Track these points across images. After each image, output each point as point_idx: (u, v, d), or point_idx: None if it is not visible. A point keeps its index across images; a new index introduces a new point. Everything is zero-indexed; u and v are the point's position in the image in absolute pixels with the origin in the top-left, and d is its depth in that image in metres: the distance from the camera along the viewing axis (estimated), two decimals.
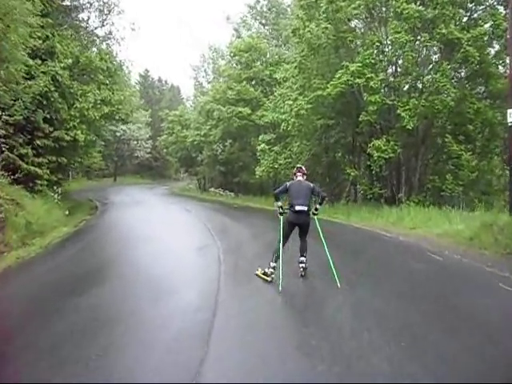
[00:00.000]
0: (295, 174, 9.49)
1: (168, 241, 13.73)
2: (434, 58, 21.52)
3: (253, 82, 37.48)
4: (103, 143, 60.48)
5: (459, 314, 6.59)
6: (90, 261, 11.07)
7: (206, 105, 39.41)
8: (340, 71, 20.21)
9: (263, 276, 8.76)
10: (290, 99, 24.39)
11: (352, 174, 22.05)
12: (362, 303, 7.02)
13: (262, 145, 30.50)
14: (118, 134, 66.87)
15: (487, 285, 8.27)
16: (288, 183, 9.24)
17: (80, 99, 21.73)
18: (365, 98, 20.04)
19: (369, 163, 21.87)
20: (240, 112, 34.72)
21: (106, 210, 25.89)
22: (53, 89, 19.85)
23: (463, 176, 19.58)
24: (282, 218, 9.11)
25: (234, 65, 40.36)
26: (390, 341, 5.40)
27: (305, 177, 9.42)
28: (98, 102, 22.32)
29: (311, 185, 9.20)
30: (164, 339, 5.66)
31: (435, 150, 22.39)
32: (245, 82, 36.17)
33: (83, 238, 15.32)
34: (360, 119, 20.53)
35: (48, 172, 20.29)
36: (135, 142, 70.68)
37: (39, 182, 19.80)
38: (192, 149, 47.07)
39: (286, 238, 8.99)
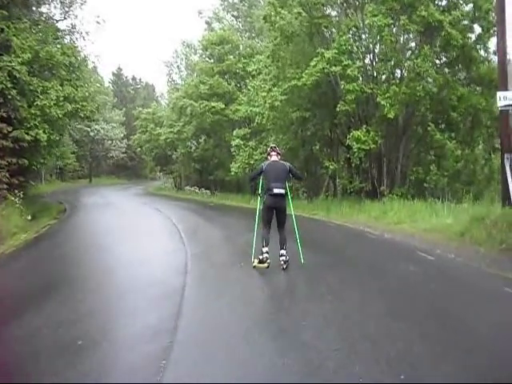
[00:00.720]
0: (269, 154, 9.20)
1: (131, 249, 12.34)
2: (414, 43, 20.47)
3: (226, 76, 36.20)
4: (72, 143, 60.10)
5: (466, 333, 5.30)
6: (40, 276, 9.76)
7: (178, 101, 37.97)
8: (315, 59, 19.04)
9: (260, 265, 8.62)
10: (263, 91, 23.22)
11: (331, 167, 20.93)
12: (349, 321, 5.74)
13: (237, 140, 29.37)
14: (91, 134, 65.62)
15: (490, 290, 7.10)
16: (263, 164, 9.01)
17: (41, 96, 20.23)
18: (342, 87, 18.95)
19: (348, 156, 20.83)
20: (213, 107, 33.40)
21: (74, 213, 24.44)
22: (10, 85, 18.40)
23: (448, 166, 18.62)
24: (259, 202, 9.41)
25: (207, 59, 39.09)
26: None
27: (279, 156, 9.15)
28: (61, 99, 20.82)
29: (287, 165, 9.00)
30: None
31: (417, 139, 21.42)
32: (217, 76, 34.85)
33: (40, 247, 13.90)
34: (338, 109, 19.33)
35: (7, 175, 18.77)
36: (110, 142, 69.15)
37: None
38: (166, 147, 45.86)
39: (268, 223, 8.86)
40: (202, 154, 38.75)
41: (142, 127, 49.23)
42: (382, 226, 14.69)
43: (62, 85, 21.50)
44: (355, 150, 18.38)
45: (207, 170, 40.70)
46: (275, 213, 8.81)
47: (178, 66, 54.79)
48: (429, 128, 18.60)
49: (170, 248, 11.82)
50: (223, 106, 33.59)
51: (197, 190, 38.99)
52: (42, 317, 6.38)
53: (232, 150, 30.44)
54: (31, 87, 20.09)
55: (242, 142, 29.29)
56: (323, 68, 18.60)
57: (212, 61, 37.53)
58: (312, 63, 19.02)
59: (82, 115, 22.46)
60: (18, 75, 18.75)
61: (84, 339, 5.33)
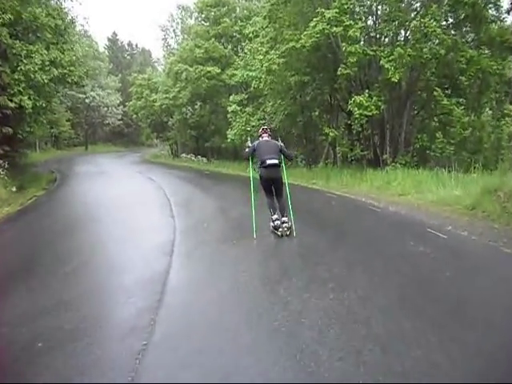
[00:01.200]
0: (261, 135, 9.63)
1: (117, 223, 11.53)
2: (419, 3, 19.21)
3: (222, 40, 34.92)
4: (67, 110, 58.92)
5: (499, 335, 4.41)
6: (18, 254, 8.99)
7: (173, 66, 36.63)
8: (315, 19, 17.88)
9: (274, 231, 8.92)
10: (260, 54, 22.09)
11: (331, 134, 19.90)
12: (353, 318, 4.87)
13: (233, 106, 28.31)
14: (87, 101, 64.40)
15: None
16: (255, 143, 9.38)
17: (25, 61, 19.21)
18: (343, 49, 17.82)
19: (349, 122, 19.85)
20: (208, 72, 32.18)
21: (65, 183, 23.57)
22: None
23: (454, 134, 17.61)
24: (252, 175, 9.93)
25: (202, 22, 37.68)
26: None
27: (270, 137, 9.57)
28: (47, 63, 19.76)
29: (278, 143, 9.38)
30: None
31: (420, 105, 20.38)
32: (213, 39, 33.59)
33: (22, 222, 13.08)
34: (338, 73, 18.19)
35: None
36: (105, 109, 67.83)
37: None
38: (162, 113, 44.65)
39: (269, 192, 9.16)
40: (198, 120, 37.65)
41: (137, 93, 47.70)
42: (386, 198, 13.84)
43: (47, 48, 20.50)
44: (357, 115, 17.36)
45: (203, 136, 39.72)
46: (272, 183, 9.05)
47: (173, 31, 53.32)
48: (435, 93, 17.45)
49: (159, 223, 11.06)
50: (219, 70, 32.39)
51: (193, 158, 38.07)
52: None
53: (228, 116, 29.37)
54: (14, 51, 19.09)
55: (238, 108, 28.25)
56: (323, 29, 17.46)
57: (207, 24, 36.21)
58: (311, 24, 17.89)
59: (70, 81, 21.36)
60: None
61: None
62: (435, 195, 12.75)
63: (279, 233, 8.77)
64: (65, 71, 20.66)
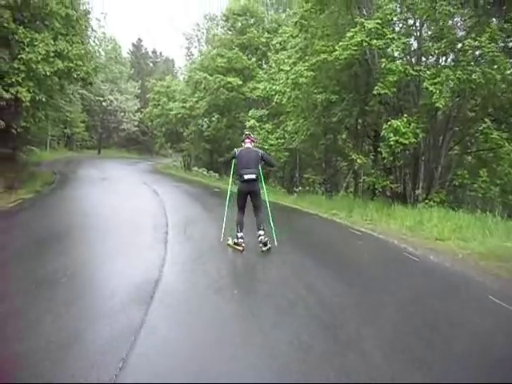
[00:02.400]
0: (243, 140, 9.76)
1: (98, 245, 9.49)
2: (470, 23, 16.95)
3: (246, 51, 32.92)
4: (82, 112, 57.38)
5: None
6: None
7: (193, 74, 34.75)
8: (353, 30, 15.80)
9: (235, 246, 9.20)
10: (287, 65, 20.02)
11: (359, 161, 17.73)
12: None
13: (252, 121, 26.29)
14: (104, 104, 63.22)
15: None
16: (236, 150, 9.55)
17: (27, 49, 17.32)
18: (382, 66, 15.66)
19: (378, 149, 17.65)
20: (229, 82, 30.21)
21: (61, 186, 21.58)
22: None
23: (501, 173, 15.32)
24: (229, 188, 10.28)
25: (227, 31, 35.79)
26: None
27: (253, 144, 9.74)
28: (52, 54, 17.85)
29: (259, 152, 9.52)
30: None
31: (459, 137, 18.10)
32: (237, 49, 31.61)
33: None
34: (375, 92, 15.94)
35: None
36: (122, 114, 66.69)
37: None
38: (177, 123, 42.78)
39: (242, 208, 9.42)
40: (214, 133, 35.57)
41: (154, 100, 46.03)
42: (421, 242, 11.56)
43: (54, 39, 18.53)
44: (391, 142, 15.12)
45: (218, 151, 37.59)
46: (249, 197, 9.32)
47: (198, 40, 51.57)
48: (483, 125, 15.20)
49: (146, 251, 8.90)
50: (240, 82, 30.42)
51: (205, 172, 35.90)
52: None
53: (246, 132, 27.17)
54: (16, 37, 17.17)
55: (257, 124, 26.23)
56: (362, 41, 15.34)
57: (232, 33, 34.29)
58: (348, 34, 15.78)
59: (76, 76, 19.33)
60: None
61: None
62: (482, 245, 10.49)
63: (240, 248, 9.02)
64: (71, 65, 18.69)
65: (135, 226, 11.70)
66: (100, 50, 72.34)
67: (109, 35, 72.53)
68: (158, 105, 44.32)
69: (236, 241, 9.24)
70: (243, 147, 9.58)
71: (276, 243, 9.59)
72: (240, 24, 33.33)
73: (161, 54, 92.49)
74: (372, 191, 20.49)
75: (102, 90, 64.91)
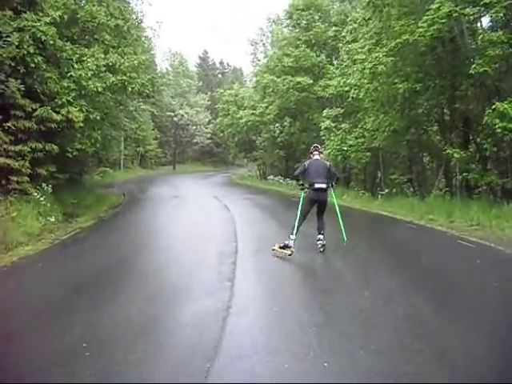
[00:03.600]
0: (312, 152, 10.13)
1: (142, 296, 7.50)
2: None
3: (314, 48, 30.62)
4: (154, 129, 57.05)
5: None
6: None
7: (260, 79, 32.92)
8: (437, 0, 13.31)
9: (281, 250, 9.29)
10: (362, 53, 17.74)
11: (456, 155, 15.16)
12: None
13: (327, 121, 24.13)
14: (175, 119, 63.01)
15: None
16: (306, 163, 9.92)
17: (76, 66, 16.01)
18: (480, 38, 13.10)
19: (478, 140, 15.03)
20: (299, 83, 28.05)
21: (128, 209, 20.26)
22: (32, 51, 14.28)
23: None
24: (302, 194, 9.89)
25: (292, 28, 33.64)
26: None
27: (321, 155, 10.29)
28: (103, 69, 16.47)
29: (327, 163, 10.16)
30: None
31: None
32: (304, 47, 29.41)
33: (31, 274, 9.30)
34: (472, 71, 13.34)
35: (28, 164, 14.51)
36: (194, 127, 66.19)
37: (15, 178, 14.20)
38: (249, 131, 41.28)
39: (305, 215, 9.70)
40: (287, 138, 33.61)
41: (223, 110, 44.69)
42: None
43: (105, 52, 17.18)
44: (498, 130, 12.48)
45: (293, 157, 35.62)
46: (317, 205, 9.66)
47: (263, 44, 49.87)
48: None
49: (206, 302, 6.71)
50: (311, 81, 28.20)
51: (281, 180, 33.86)
52: None
53: (321, 134, 25.21)
54: (64, 55, 15.91)
55: (333, 125, 24.07)
56: (450, 11, 12.86)
57: (298, 30, 32.08)
58: (434, 6, 13.30)
59: (131, 89, 17.79)
60: (43, 38, 14.56)
61: None
62: None
63: (289, 252, 9.17)
64: (124, 78, 17.19)
65: (196, 257, 9.77)
66: (167, 65, 73.39)
67: (174, 50, 72.81)
68: (228, 114, 42.88)
69: (286, 242, 9.38)
70: (312, 159, 9.98)
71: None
72: (305, 20, 31.16)
73: (228, 64, 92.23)
74: (470, 189, 17.81)
75: (172, 105, 64.76)
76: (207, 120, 65.50)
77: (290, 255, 9.05)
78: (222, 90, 47.46)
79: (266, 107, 33.34)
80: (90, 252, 11.08)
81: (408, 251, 10.15)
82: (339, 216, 9.83)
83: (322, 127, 24.43)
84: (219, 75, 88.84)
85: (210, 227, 13.88)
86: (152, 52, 22.87)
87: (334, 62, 27.73)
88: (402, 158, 24.37)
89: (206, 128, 65.81)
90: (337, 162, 24.13)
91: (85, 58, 16.16)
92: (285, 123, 33.24)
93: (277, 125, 34.03)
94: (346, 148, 22.58)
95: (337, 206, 10.02)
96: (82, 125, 16.13)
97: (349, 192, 23.78)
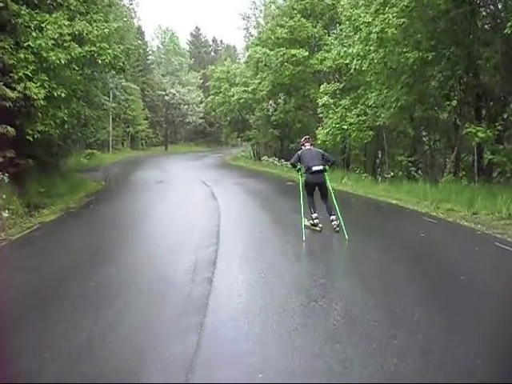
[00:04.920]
0: (303, 144, 10.43)
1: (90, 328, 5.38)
2: None
3: (310, 19, 27.98)
4: (144, 108, 54.63)
5: None
6: None
7: (253, 53, 30.42)
8: None
9: (312, 227, 9.85)
10: (368, 15, 15.43)
11: (480, 134, 13.02)
12: None
13: (325, 97, 21.92)
14: (166, 98, 60.78)
15: None
16: (299, 152, 10.31)
17: (34, 34, 13.70)
18: None
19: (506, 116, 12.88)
20: (294, 55, 25.64)
21: (104, 197, 17.98)
22: None
23: None
24: (301, 179, 10.46)
25: None
26: None
27: (312, 146, 10.50)
28: (66, 38, 14.15)
29: (320, 150, 10.56)
30: None
31: None
32: (299, 16, 26.90)
33: None
34: (508, 30, 11.07)
35: None
36: (186, 107, 63.97)
37: None
38: (242, 110, 39.04)
39: (311, 193, 10.04)
40: (282, 117, 31.20)
41: (215, 88, 42.29)
42: None
43: (71, 19, 14.85)
44: None
45: (288, 136, 33.42)
46: (318, 188, 9.94)
47: (256, 19, 47.19)
48: None
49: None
50: (306, 53, 25.76)
51: (276, 162, 31.56)
52: None
53: (319, 111, 23.07)
54: (20, 20, 13.63)
55: (331, 101, 21.86)
56: None
57: None
58: None
59: (101, 62, 15.37)
60: None
61: None
62: None
63: (318, 228, 9.78)
64: (93, 49, 14.81)
65: (163, 275, 7.52)
66: (158, 43, 70.67)
67: (165, 27, 70.20)
68: (219, 92, 40.54)
69: (312, 222, 9.87)
70: (304, 148, 10.28)
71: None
72: None
73: (221, 41, 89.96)
74: (484, 172, 15.72)
75: (163, 83, 62.60)
76: (199, 99, 63.31)
77: (320, 231, 9.71)
78: (214, 67, 45.14)
79: (259, 83, 31.00)
80: (39, 260, 8.85)
81: (437, 262, 7.65)
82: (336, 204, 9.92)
83: (320, 104, 22.20)
84: (212, 53, 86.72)
85: (189, 224, 11.63)
86: (128, 20, 20.04)
87: (334, 32, 25.25)
88: (406, 138, 22.32)
89: (199, 107, 63.54)
90: (335, 143, 22.01)
91: (45, 25, 13.84)
92: (279, 100, 30.88)
93: (270, 102, 31.67)
94: (346, 126, 20.55)
95: (331, 192, 10.14)
96: (43, 103, 13.83)
97: (349, 175, 21.65)
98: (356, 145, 23.97)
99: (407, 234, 10.02)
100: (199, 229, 10.66)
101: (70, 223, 12.95)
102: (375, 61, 15.95)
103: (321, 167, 9.72)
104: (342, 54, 18.74)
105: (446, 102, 16.59)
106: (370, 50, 15.96)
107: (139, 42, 59.77)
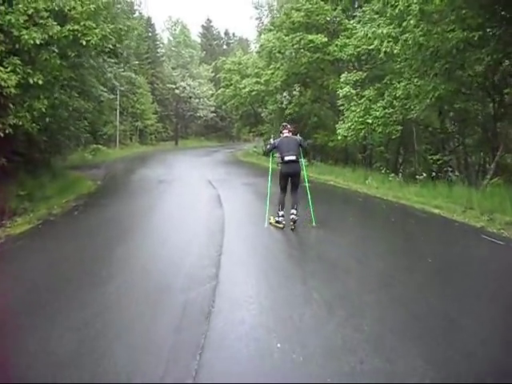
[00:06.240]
0: (281, 131, 10.27)
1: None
2: None
3: (328, 2, 25.45)
4: (153, 102, 52.56)
5: None
6: None
7: (265, 42, 27.93)
8: None
9: (276, 224, 9.88)
10: None
11: None
12: None
13: (346, 88, 19.46)
14: (176, 92, 58.91)
15: None
16: (276, 140, 10.16)
17: (3, 7, 11.41)
18: None
19: None
20: (311, 41, 23.11)
21: (91, 203, 15.26)
22: None
23: None
24: (271, 167, 10.89)
25: None
26: None
27: (291, 133, 10.19)
28: (44, 14, 11.86)
29: (298, 138, 10.16)
30: None
31: None
32: None
33: None
34: None
35: None
36: (197, 100, 62.16)
37: None
38: (253, 102, 36.79)
39: (283, 189, 10.10)
40: (297, 110, 28.66)
41: (225, 80, 40.00)
42: None
43: None
44: None
45: (304, 132, 30.79)
46: (290, 179, 9.89)
47: (269, 7, 44.73)
48: None
49: None
50: (325, 39, 23.23)
51: None
52: None
53: (339, 103, 20.66)
54: None
55: (353, 92, 19.42)
56: None
57: None
58: None
59: (85, 42, 12.95)
60: None
61: None
62: None
63: (281, 225, 9.75)
64: (76, 27, 12.47)
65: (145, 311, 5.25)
66: (168, 35, 68.40)
67: (175, 18, 68.13)
68: (230, 84, 38.32)
69: (277, 219, 9.90)
70: (282, 136, 10.11)
71: None
72: None
73: (234, 34, 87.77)
74: None
75: (173, 76, 60.73)
76: (210, 92, 61.01)
77: (283, 228, 9.67)
78: (224, 58, 42.91)
79: (272, 73, 28.53)
80: None
81: None
82: (309, 195, 10.36)
83: (341, 95, 19.74)
84: (224, 46, 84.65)
85: (184, 245, 9.14)
86: None
87: (354, 16, 22.64)
88: (431, 132, 20.06)
89: (210, 101, 61.26)
90: (358, 138, 19.60)
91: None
92: (294, 92, 28.35)
93: (284, 94, 29.17)
94: (370, 120, 18.06)
95: (307, 184, 10.77)
96: (14, 91, 11.52)
97: (373, 175, 19.16)
98: (377, 142, 21.59)
99: (478, 271, 7.22)
100: (195, 254, 8.23)
101: (42, 237, 10.56)
102: (409, 42, 13.43)
103: (294, 157, 9.66)
104: (369, 35, 16.19)
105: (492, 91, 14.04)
106: (404, 28, 13.46)
107: (149, 34, 58.90)
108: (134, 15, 48.31)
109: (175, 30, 67.38)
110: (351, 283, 6.48)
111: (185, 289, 6.18)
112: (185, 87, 60.65)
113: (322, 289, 6.09)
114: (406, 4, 12.37)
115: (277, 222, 9.82)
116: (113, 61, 21.16)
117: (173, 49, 65.80)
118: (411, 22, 12.61)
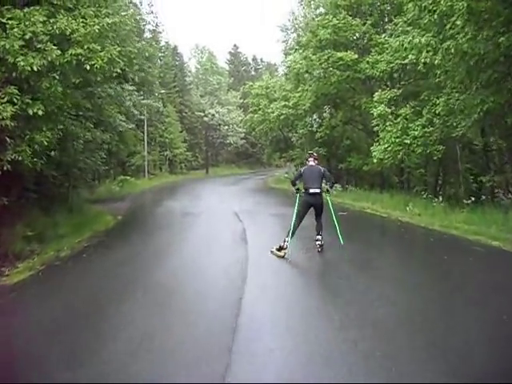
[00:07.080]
0: (307, 159, 10.71)
1: None
2: None
3: (357, 17, 24.08)
4: (182, 131, 51.91)
5: None
6: None
7: (292, 64, 26.75)
8: None
9: (277, 252, 9.77)
10: None
11: None
12: None
13: (380, 107, 17.96)
14: (205, 120, 58.40)
15: None
16: (301, 169, 10.59)
17: None
18: None
19: None
20: (340, 58, 21.69)
21: (106, 244, 13.72)
22: None
23: None
24: (298, 196, 10.43)
25: None
26: None
27: (316, 161, 10.54)
28: (44, 38, 10.72)
29: (321, 169, 10.31)
30: None
31: None
32: (344, 13, 22.91)
33: None
34: None
35: None
36: (226, 127, 61.61)
37: None
38: (282, 127, 35.87)
39: (301, 218, 10.02)
40: (328, 133, 27.27)
41: (253, 105, 39.02)
42: None
43: (50, 16, 11.36)
44: None
45: (336, 155, 29.51)
46: (313, 208, 10.04)
47: (295, 29, 43.84)
48: None
49: None
50: (355, 56, 21.74)
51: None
52: None
53: (373, 123, 19.26)
54: None
55: (388, 111, 17.92)
56: None
57: None
58: None
59: (89, 67, 11.69)
60: None
61: None
62: None
63: (282, 253, 9.65)
64: (79, 51, 11.25)
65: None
66: (195, 62, 68.23)
67: (202, 46, 68.11)
68: (259, 109, 37.23)
69: (282, 244, 9.76)
70: (307, 165, 10.43)
71: None
72: None
73: (262, 60, 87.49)
74: None
75: (202, 104, 60.30)
76: (240, 119, 60.15)
77: (282, 257, 9.52)
78: (252, 83, 41.92)
79: (300, 96, 27.20)
80: None
81: None
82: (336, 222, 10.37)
83: (375, 114, 18.26)
84: (252, 72, 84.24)
85: (197, 299, 7.53)
86: (134, 16, 16.06)
87: (388, 28, 21.14)
88: (471, 152, 18.59)
89: (239, 127, 60.46)
90: (395, 161, 18.01)
91: (10, 22, 10.41)
92: (324, 114, 27.00)
93: (314, 116, 27.86)
94: (408, 141, 16.51)
95: (334, 215, 10.58)
96: (10, 123, 10.31)
97: (414, 200, 17.41)
98: (414, 165, 19.90)
99: None
100: (213, 307, 6.67)
101: (39, 288, 9.08)
102: (452, 50, 11.82)
103: (318, 190, 9.85)
104: (406, 45, 14.63)
105: None
106: (445, 36, 11.90)
107: (176, 62, 58.73)
108: (160, 44, 48.56)
109: (202, 57, 67.28)
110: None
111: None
112: (214, 114, 60.31)
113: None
114: (450, 3, 10.77)
115: (279, 248, 9.75)
116: (131, 88, 20.05)
117: (200, 76, 65.60)
118: (457, 22, 10.96)
